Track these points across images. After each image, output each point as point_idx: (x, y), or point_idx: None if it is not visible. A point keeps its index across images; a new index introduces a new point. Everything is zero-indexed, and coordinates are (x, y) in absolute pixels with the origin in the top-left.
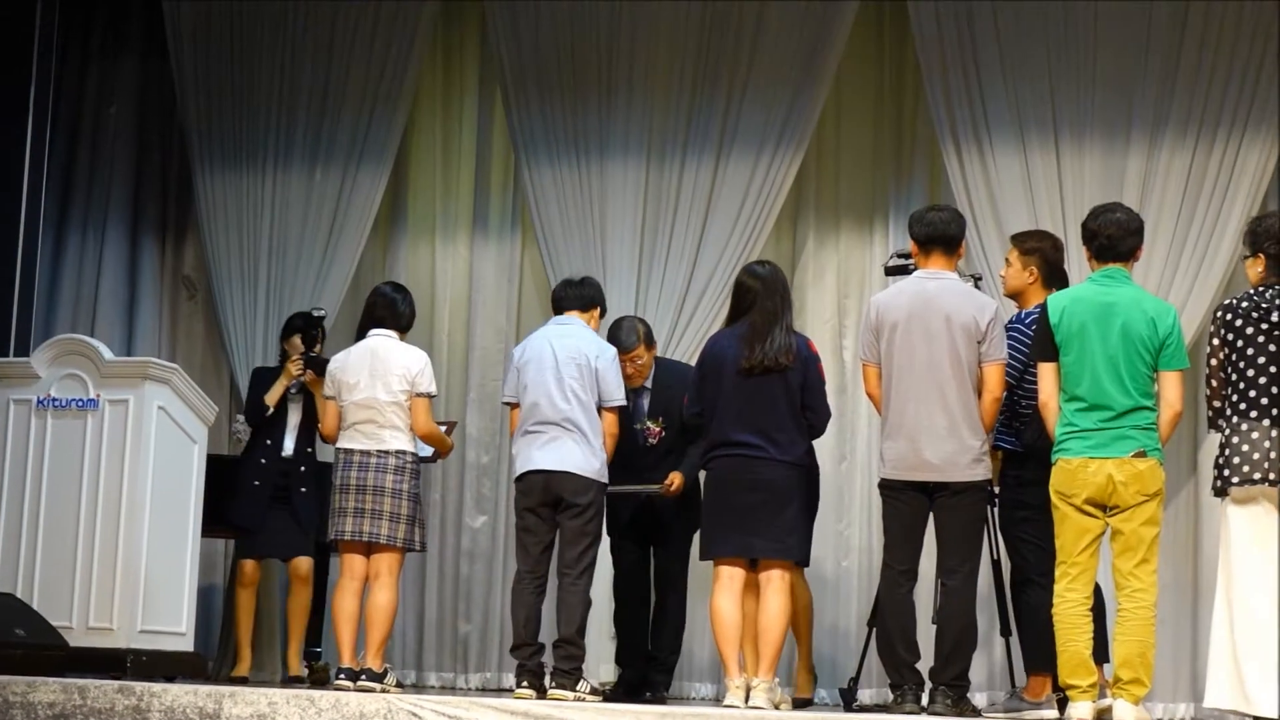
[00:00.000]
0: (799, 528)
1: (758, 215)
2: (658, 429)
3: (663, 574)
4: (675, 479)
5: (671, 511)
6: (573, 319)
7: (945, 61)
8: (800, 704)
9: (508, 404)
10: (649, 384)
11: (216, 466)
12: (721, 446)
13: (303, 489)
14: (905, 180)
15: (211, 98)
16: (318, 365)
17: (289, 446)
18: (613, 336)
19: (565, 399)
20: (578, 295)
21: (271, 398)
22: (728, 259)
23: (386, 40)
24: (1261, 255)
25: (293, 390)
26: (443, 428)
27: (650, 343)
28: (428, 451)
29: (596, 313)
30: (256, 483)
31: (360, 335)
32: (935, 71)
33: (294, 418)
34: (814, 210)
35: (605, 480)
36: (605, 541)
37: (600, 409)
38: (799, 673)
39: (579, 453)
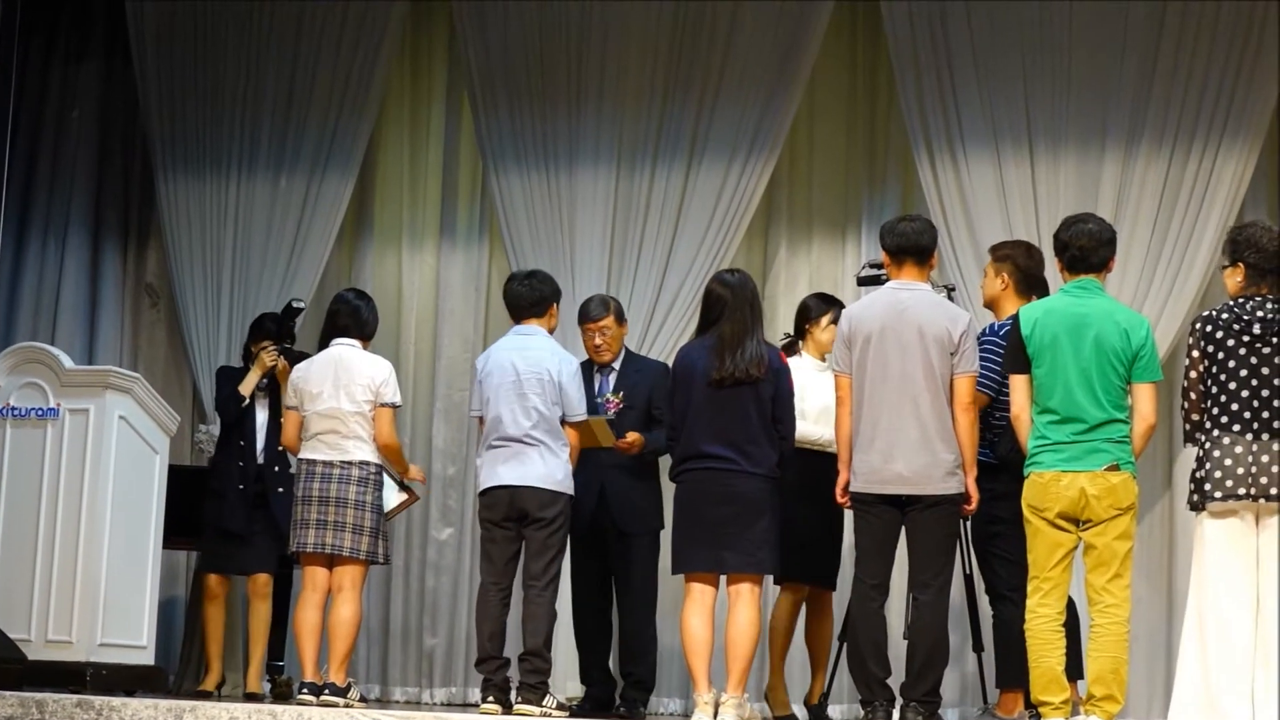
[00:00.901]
0: (770, 541)
1: (729, 223)
2: (617, 400)
3: (625, 591)
4: (635, 437)
5: (630, 520)
6: (534, 329)
7: (919, 67)
8: None
9: (476, 416)
10: (616, 365)
11: (181, 476)
12: (692, 459)
13: (279, 489)
14: (878, 188)
15: (175, 102)
16: (293, 358)
17: (260, 448)
18: (582, 309)
19: (527, 415)
20: (533, 300)
21: (246, 387)
22: (699, 267)
23: (353, 44)
24: (1241, 264)
25: (261, 385)
26: (403, 497)
27: (621, 318)
28: (392, 502)
29: (554, 309)
30: (241, 487)
31: (323, 344)
32: (909, 77)
33: (261, 416)
34: (786, 218)
35: (570, 491)
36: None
37: (564, 421)
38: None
39: (543, 466)
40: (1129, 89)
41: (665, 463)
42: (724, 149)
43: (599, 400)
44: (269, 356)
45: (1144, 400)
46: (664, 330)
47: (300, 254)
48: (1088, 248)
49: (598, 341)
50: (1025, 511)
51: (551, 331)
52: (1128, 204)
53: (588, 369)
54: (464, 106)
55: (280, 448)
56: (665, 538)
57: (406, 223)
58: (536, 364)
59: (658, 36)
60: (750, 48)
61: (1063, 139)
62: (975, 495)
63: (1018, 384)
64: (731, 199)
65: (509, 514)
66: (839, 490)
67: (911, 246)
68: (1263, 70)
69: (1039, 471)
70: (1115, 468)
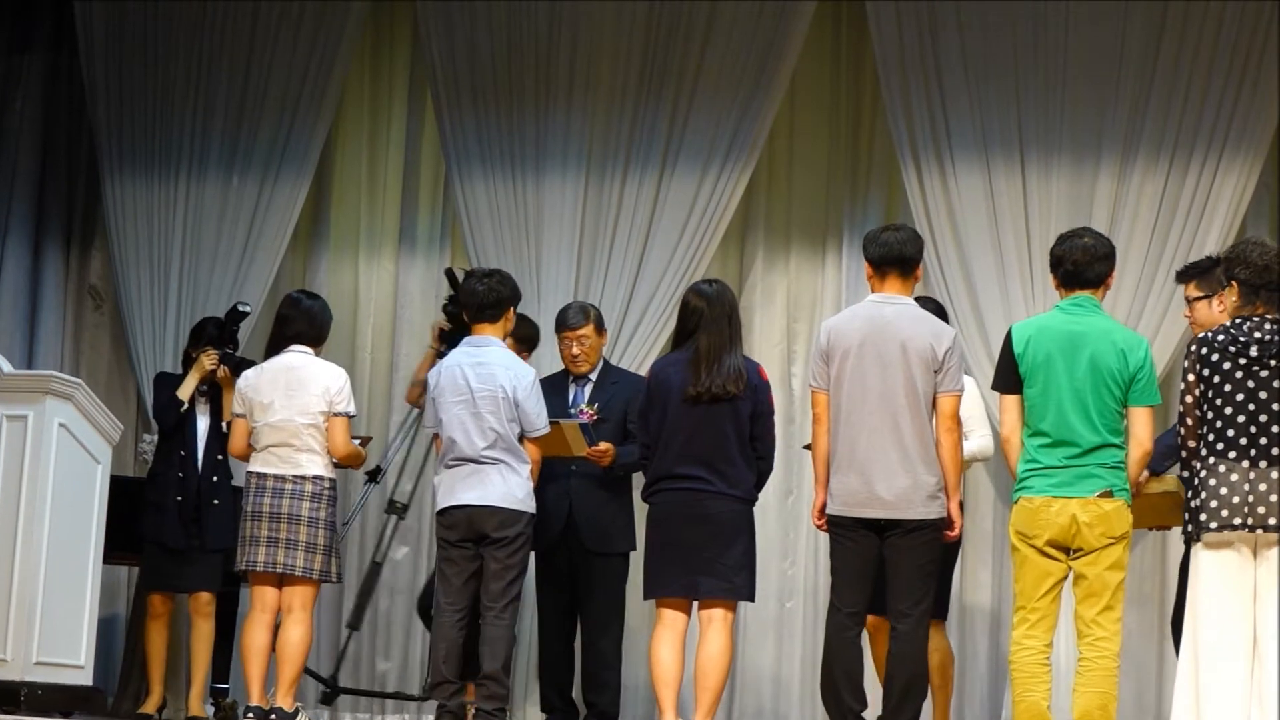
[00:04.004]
0: (747, 565)
1: (703, 232)
2: (591, 412)
3: (590, 615)
4: (607, 447)
5: (599, 540)
6: (487, 340)
7: (905, 70)
8: None
9: (431, 433)
10: (593, 376)
11: (124, 488)
12: (666, 479)
13: (215, 501)
14: (861, 198)
15: (124, 97)
16: (234, 364)
17: (200, 457)
18: (560, 316)
19: (483, 434)
20: (495, 299)
21: (184, 392)
22: (670, 279)
23: (311, 41)
24: (1235, 283)
25: (202, 390)
26: (356, 441)
27: (601, 328)
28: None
29: (511, 312)
30: (180, 499)
31: (272, 350)
32: (895, 82)
33: (202, 424)
34: (763, 228)
35: (532, 510)
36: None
37: (523, 438)
38: None
39: (503, 485)
40: (1126, 97)
41: (638, 480)
42: (698, 155)
43: (572, 411)
44: (209, 360)
45: (1140, 425)
46: (633, 344)
47: (252, 258)
48: (1083, 262)
49: (575, 351)
50: (1013, 538)
51: (506, 336)
52: (1123, 217)
53: (563, 378)
54: (427, 107)
55: (220, 456)
56: (636, 559)
57: (364, 227)
58: (490, 380)
59: (631, 36)
60: (728, 48)
61: (1056, 148)
62: (958, 520)
63: (1008, 405)
64: (706, 207)
65: (467, 534)
66: (815, 513)
67: (895, 257)
68: (1266, 80)
69: (1028, 497)
70: (1109, 494)
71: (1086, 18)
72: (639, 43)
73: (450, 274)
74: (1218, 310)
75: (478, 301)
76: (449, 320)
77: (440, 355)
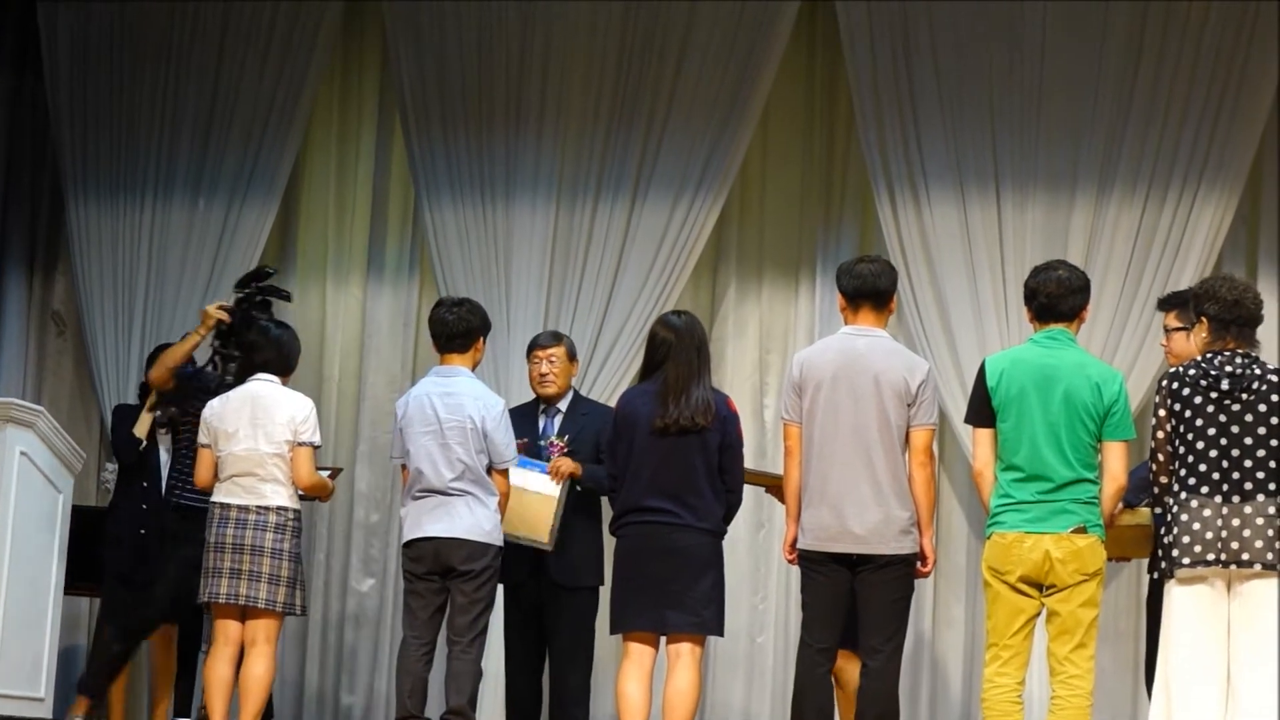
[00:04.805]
0: (716, 599)
1: (675, 262)
2: (561, 444)
3: (558, 649)
4: (567, 463)
5: (567, 574)
6: (456, 370)
7: (880, 100)
8: None
9: (398, 463)
10: (563, 406)
11: (86, 517)
12: (633, 512)
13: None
14: (834, 228)
15: (88, 119)
16: (245, 321)
17: (163, 488)
18: (534, 339)
19: (450, 466)
20: (465, 329)
21: (140, 428)
22: (641, 308)
23: (279, 65)
24: (1204, 319)
25: (162, 423)
26: (325, 472)
27: (572, 355)
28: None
29: (481, 343)
30: (142, 530)
31: (239, 379)
32: (869, 111)
33: (164, 455)
34: (735, 258)
35: (499, 543)
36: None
37: (491, 470)
38: None
39: (470, 517)
40: (1102, 128)
41: (608, 512)
42: (670, 183)
43: (541, 443)
44: (216, 311)
45: (1114, 460)
46: (603, 374)
47: (218, 284)
48: (1057, 295)
49: (544, 370)
50: (985, 574)
51: (475, 366)
52: (1099, 250)
53: (533, 408)
54: (396, 132)
55: (178, 490)
56: (604, 592)
57: (332, 253)
58: (458, 410)
59: (603, 61)
60: (701, 75)
61: (1031, 180)
62: (931, 556)
63: (981, 438)
64: (678, 236)
65: (434, 567)
66: (786, 547)
67: (869, 290)
68: (1243, 113)
69: (1001, 532)
70: (1082, 530)
71: (1062, 49)
72: (611, 69)
73: (263, 273)
74: (1194, 344)
75: (447, 331)
76: (234, 316)
77: (220, 353)
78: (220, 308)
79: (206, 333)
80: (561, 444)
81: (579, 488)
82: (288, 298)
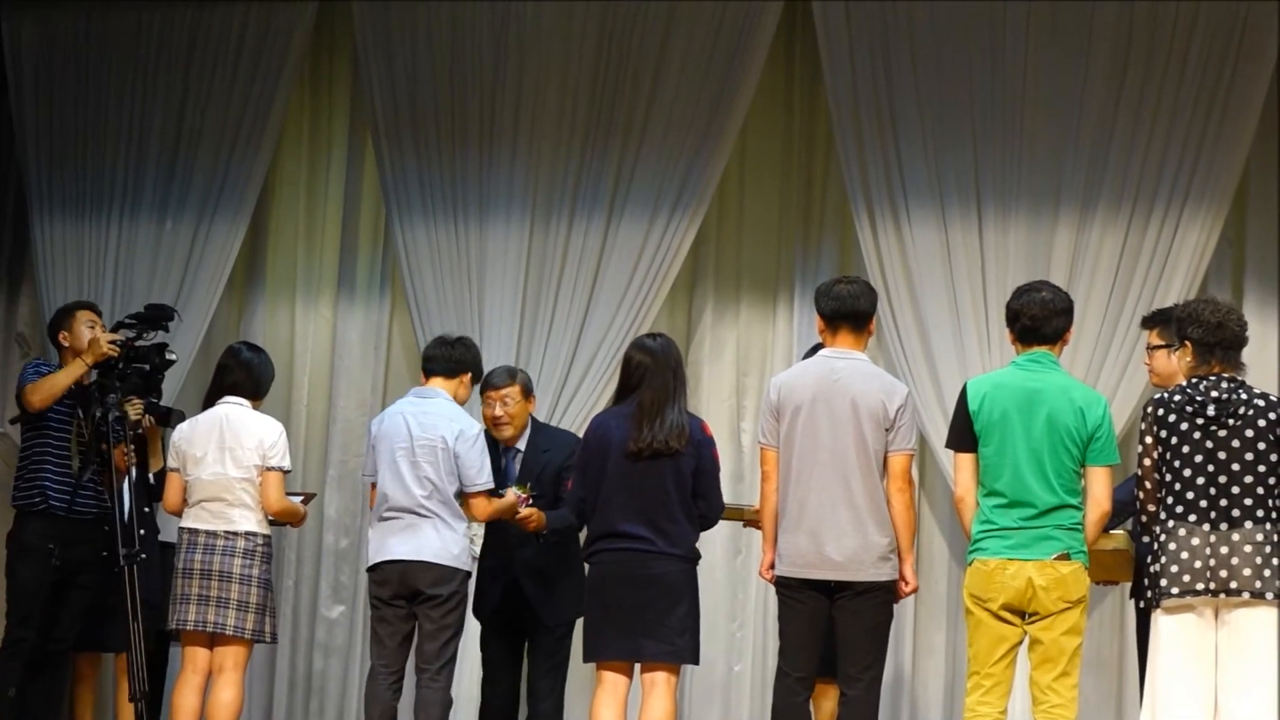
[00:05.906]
0: (690, 628)
1: (651, 282)
2: (526, 495)
3: (533, 681)
4: (533, 514)
5: (547, 605)
6: (435, 391)
7: (860, 118)
8: None
9: (369, 482)
10: (522, 446)
11: None
12: (606, 538)
13: (143, 555)
14: (813, 249)
15: (53, 137)
16: (162, 415)
17: (126, 513)
18: (486, 376)
19: (420, 484)
20: (445, 357)
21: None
22: (616, 330)
23: (248, 81)
24: (1188, 343)
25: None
26: (298, 498)
27: (528, 393)
28: None
29: (467, 378)
30: (105, 554)
31: (209, 401)
32: (848, 129)
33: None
34: (713, 279)
35: (467, 568)
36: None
37: (462, 496)
38: None
39: (437, 540)
40: (1085, 148)
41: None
42: (646, 203)
43: (502, 493)
44: (133, 410)
45: (1098, 485)
46: (577, 397)
47: (185, 304)
48: (1040, 317)
49: (498, 412)
50: (967, 601)
51: (456, 398)
52: (1082, 271)
53: (493, 449)
54: (367, 150)
55: (146, 509)
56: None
57: (302, 273)
58: (431, 429)
59: (578, 78)
60: (678, 93)
61: (1013, 199)
62: (912, 581)
63: (962, 463)
64: (654, 256)
65: (400, 591)
66: (763, 569)
67: (848, 311)
68: (1229, 133)
69: (983, 559)
70: (1065, 557)
71: (1045, 67)
72: (586, 85)
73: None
74: (1178, 366)
75: (434, 365)
76: (124, 349)
77: (101, 381)
78: (112, 343)
79: (93, 362)
80: (526, 495)
81: (543, 540)
82: (169, 318)
